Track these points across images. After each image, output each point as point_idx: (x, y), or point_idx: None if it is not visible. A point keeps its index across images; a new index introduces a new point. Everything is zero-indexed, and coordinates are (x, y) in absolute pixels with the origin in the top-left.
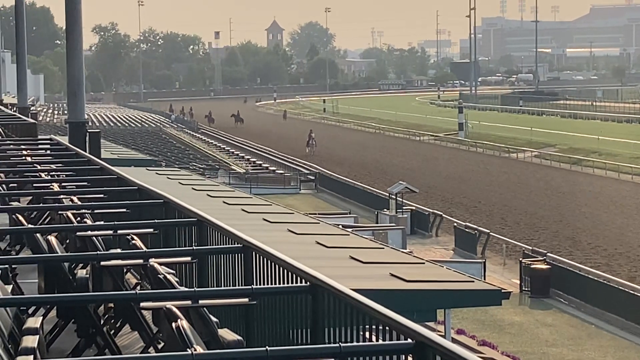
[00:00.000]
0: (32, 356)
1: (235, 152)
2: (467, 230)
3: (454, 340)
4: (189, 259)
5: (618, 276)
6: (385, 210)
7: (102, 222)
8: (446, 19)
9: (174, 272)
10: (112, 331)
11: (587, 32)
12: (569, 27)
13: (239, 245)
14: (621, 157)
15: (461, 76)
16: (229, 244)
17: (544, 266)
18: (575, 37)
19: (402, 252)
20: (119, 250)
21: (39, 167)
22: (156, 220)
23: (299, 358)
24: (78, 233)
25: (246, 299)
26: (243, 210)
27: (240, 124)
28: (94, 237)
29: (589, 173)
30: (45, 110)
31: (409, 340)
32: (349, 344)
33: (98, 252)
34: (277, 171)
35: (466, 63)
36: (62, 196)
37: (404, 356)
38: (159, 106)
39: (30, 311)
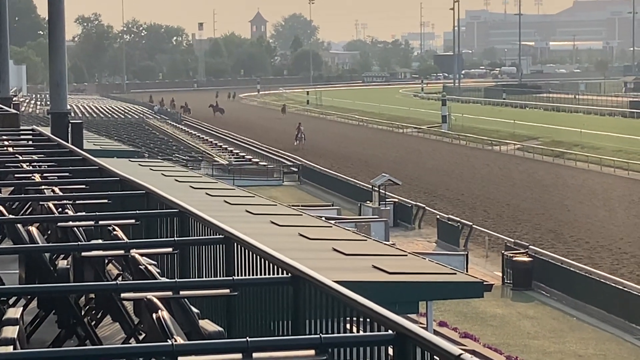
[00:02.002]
0: (11, 347)
1: (219, 144)
2: (449, 222)
3: (436, 332)
4: (170, 249)
5: (600, 269)
6: (368, 202)
7: (83, 213)
8: (430, 11)
9: (156, 263)
10: (93, 322)
11: (570, 26)
12: (552, 21)
13: (220, 236)
14: (603, 150)
15: (445, 69)
16: (210, 235)
17: (526, 259)
18: (559, 30)
19: (385, 244)
20: (100, 241)
21: (21, 158)
22: (138, 211)
23: (280, 349)
24: (59, 224)
25: (227, 290)
26: (225, 201)
27: (219, 114)
28: (75, 228)
29: (571, 166)
30: (27, 101)
31: (390, 332)
32: (329, 335)
33: (79, 243)
34: (260, 163)
35: (450, 56)
36: (43, 187)
37: (384, 347)
38: (142, 97)
39: (10, 302)
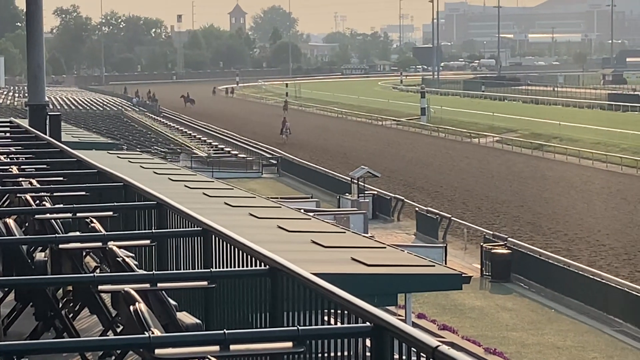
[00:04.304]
0: None
1: (198, 136)
2: (428, 214)
3: (414, 325)
4: (148, 242)
5: (578, 261)
6: (347, 194)
7: (61, 205)
8: (409, 3)
9: (133, 255)
10: (71, 314)
11: (549, 18)
12: (531, 13)
13: (198, 228)
14: (582, 142)
15: (424, 61)
16: (188, 227)
17: (504, 251)
18: (537, 22)
19: (364, 236)
20: (78, 233)
21: None
22: (116, 204)
23: (257, 341)
24: (37, 216)
25: (205, 282)
26: (204, 194)
27: (190, 105)
28: (52, 220)
29: (550, 158)
30: (5, 93)
31: (367, 324)
32: (307, 327)
33: (56, 235)
34: (239, 155)
35: (429, 48)
36: (21, 179)
37: (361, 339)
38: (121, 90)
39: None
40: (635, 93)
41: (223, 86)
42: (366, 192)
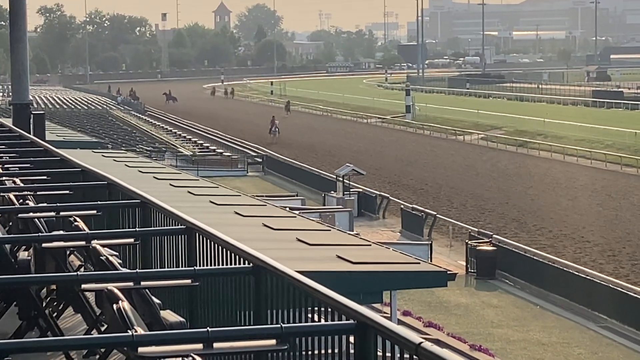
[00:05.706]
0: None
1: (183, 135)
2: (413, 212)
3: (400, 322)
4: (132, 240)
5: (563, 257)
6: (332, 192)
7: (44, 204)
8: (394, 1)
9: (117, 254)
10: (55, 313)
11: (533, 15)
12: (515, 10)
13: (182, 227)
14: (566, 139)
15: (408, 59)
16: (172, 226)
17: (489, 248)
18: (522, 20)
19: (349, 234)
20: (61, 232)
21: None
22: (99, 202)
23: (241, 339)
24: (20, 215)
25: (189, 280)
26: (189, 192)
27: (172, 102)
28: (36, 219)
29: (534, 155)
30: None
31: (351, 321)
32: (290, 325)
33: (40, 234)
34: (224, 153)
35: (413, 46)
36: (4, 178)
37: (345, 336)
38: (106, 88)
39: None
40: (619, 90)
41: (208, 85)
42: (351, 189)
